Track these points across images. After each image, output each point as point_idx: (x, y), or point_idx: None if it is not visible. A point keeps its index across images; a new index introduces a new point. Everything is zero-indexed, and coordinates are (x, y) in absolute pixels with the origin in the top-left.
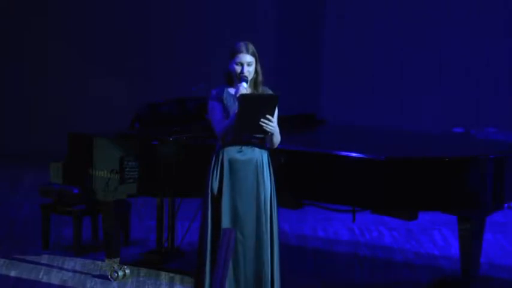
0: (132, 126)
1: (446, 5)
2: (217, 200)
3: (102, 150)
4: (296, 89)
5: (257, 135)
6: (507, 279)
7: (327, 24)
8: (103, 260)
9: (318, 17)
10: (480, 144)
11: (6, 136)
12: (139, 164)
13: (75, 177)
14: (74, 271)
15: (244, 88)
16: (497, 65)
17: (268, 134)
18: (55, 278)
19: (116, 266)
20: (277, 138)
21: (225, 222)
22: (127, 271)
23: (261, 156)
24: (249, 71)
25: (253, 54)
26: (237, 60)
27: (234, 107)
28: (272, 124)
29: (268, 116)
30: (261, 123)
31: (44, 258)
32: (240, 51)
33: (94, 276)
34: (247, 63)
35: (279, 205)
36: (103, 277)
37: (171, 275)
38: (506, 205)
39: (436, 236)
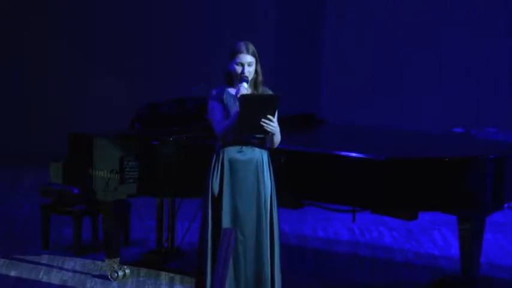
0: (132, 126)
1: (446, 5)
2: (217, 200)
3: (102, 150)
4: (296, 89)
5: (258, 135)
6: (507, 279)
7: (327, 24)
8: (103, 260)
9: (318, 17)
10: (480, 144)
11: (6, 136)
12: (139, 164)
13: (75, 177)
14: (74, 271)
15: (245, 88)
16: (497, 65)
17: (269, 134)
18: (55, 278)
19: (116, 266)
20: (277, 138)
21: (226, 222)
22: (127, 271)
23: (261, 156)
24: (250, 71)
25: (253, 55)
26: (238, 60)
27: (234, 107)
28: (273, 124)
29: (269, 116)
30: (262, 123)
31: (44, 258)
32: (240, 52)
33: (94, 276)
34: (248, 63)
35: (279, 205)
36: (103, 277)
37: (171, 275)
38: (506, 205)
39: (436, 236)
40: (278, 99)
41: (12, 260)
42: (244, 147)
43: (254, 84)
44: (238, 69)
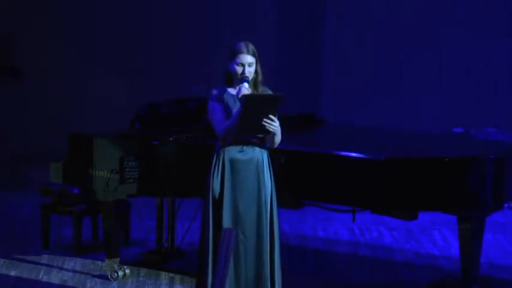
0: (132, 126)
1: (446, 5)
2: (218, 199)
3: (102, 150)
4: (296, 89)
5: (259, 135)
6: (507, 279)
7: (327, 24)
8: (103, 260)
9: (318, 17)
10: (480, 144)
11: (6, 136)
12: (139, 164)
13: (75, 177)
14: (74, 271)
15: (246, 88)
16: (497, 65)
17: (271, 134)
18: (55, 278)
19: (116, 266)
20: (278, 138)
21: (226, 222)
22: (127, 271)
23: (261, 155)
24: (250, 71)
25: (253, 55)
26: (238, 60)
27: (235, 108)
28: (275, 124)
29: (271, 116)
30: (263, 123)
31: (44, 258)
32: (241, 52)
33: (94, 276)
34: (248, 63)
35: (279, 205)
36: (103, 277)
37: (171, 275)
38: (506, 205)
39: (436, 236)
40: (280, 99)
41: (12, 260)
42: (245, 147)
43: (254, 84)
44: (239, 69)
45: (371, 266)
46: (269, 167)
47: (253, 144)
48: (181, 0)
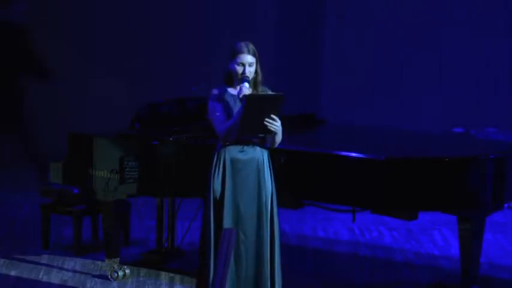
0: (132, 126)
1: (446, 5)
2: (219, 199)
3: (102, 150)
4: (296, 89)
5: (260, 135)
6: (507, 279)
7: (327, 24)
8: (103, 260)
9: (318, 17)
10: (480, 144)
11: (6, 136)
12: (139, 164)
13: (75, 177)
14: (74, 271)
15: (247, 88)
16: (497, 65)
17: (272, 134)
18: (55, 278)
19: (116, 266)
20: (279, 138)
21: (227, 221)
22: (127, 271)
23: (262, 155)
24: (250, 71)
25: (254, 55)
26: (239, 60)
27: (235, 108)
28: (276, 124)
29: (272, 116)
30: (265, 122)
31: (44, 258)
32: (241, 52)
33: (94, 276)
34: (249, 63)
35: (279, 205)
36: (103, 277)
37: (171, 275)
38: (506, 205)
39: (436, 236)
40: (282, 98)
41: (12, 260)
42: (245, 147)
43: (254, 84)
44: (239, 69)
45: (371, 266)
46: (269, 167)
47: (254, 144)
48: (181, 0)
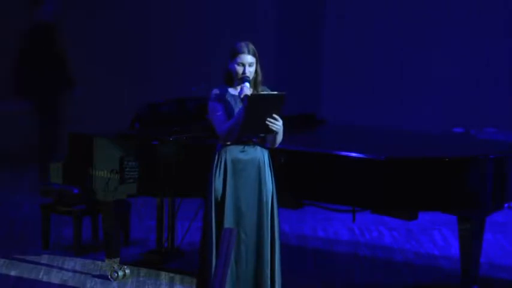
0: (132, 126)
1: (446, 5)
2: (220, 200)
3: (102, 150)
4: (296, 89)
5: (262, 135)
6: (507, 279)
7: (327, 24)
8: (103, 260)
9: (318, 17)
10: (480, 144)
11: (6, 136)
12: (139, 164)
13: (75, 177)
14: (74, 271)
15: (248, 88)
16: (497, 65)
17: (273, 133)
18: (55, 278)
19: (116, 266)
20: (280, 137)
21: (229, 221)
22: (127, 271)
23: (262, 155)
24: (250, 71)
25: (254, 55)
26: (239, 60)
27: (236, 108)
28: (278, 123)
29: (274, 115)
30: (267, 122)
31: (44, 258)
32: (241, 52)
33: (94, 276)
34: (249, 63)
35: (279, 205)
36: (103, 277)
37: (171, 275)
38: (506, 205)
39: (436, 236)
40: (284, 97)
41: (12, 260)
42: (246, 147)
43: (254, 84)
44: (239, 69)
45: (371, 266)
46: (270, 167)
47: (254, 144)
48: (181, 0)
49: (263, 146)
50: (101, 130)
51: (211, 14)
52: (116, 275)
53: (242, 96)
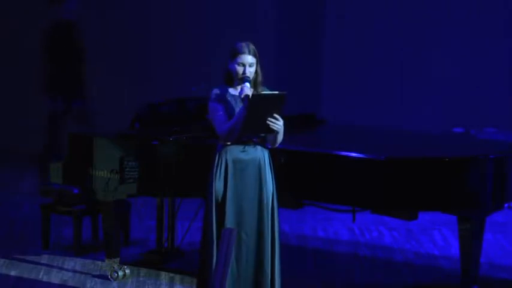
0: (132, 126)
1: (446, 5)
2: (221, 200)
3: (102, 150)
4: (296, 89)
5: (262, 134)
6: (507, 279)
7: (327, 24)
8: (103, 260)
9: (318, 17)
10: (480, 144)
11: (6, 136)
12: (139, 164)
13: (75, 177)
14: (74, 271)
15: (248, 88)
16: (497, 65)
17: (274, 133)
18: (55, 278)
19: (116, 266)
20: (280, 137)
21: (230, 222)
22: (127, 271)
23: (263, 155)
24: (251, 71)
25: (254, 55)
26: (239, 60)
27: (236, 108)
28: (279, 123)
29: (275, 115)
30: (268, 122)
31: (44, 258)
32: (242, 52)
33: (94, 276)
34: (249, 64)
35: (279, 205)
36: (103, 277)
37: (171, 275)
38: (506, 205)
39: (436, 236)
40: (284, 97)
41: (12, 260)
42: (246, 147)
43: (254, 84)
44: (240, 69)
45: (371, 266)
46: (270, 166)
47: (255, 144)
48: (181, 0)
49: (264, 145)
50: (101, 130)
51: (211, 14)
52: (116, 275)
53: (242, 96)
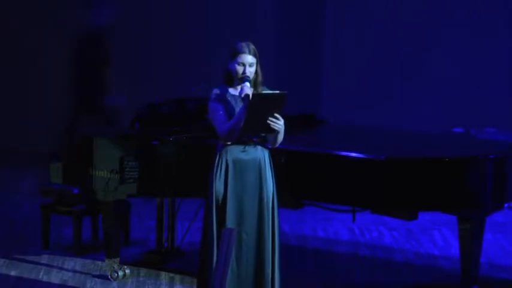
0: (132, 126)
1: (446, 5)
2: (221, 200)
3: (102, 150)
4: (296, 89)
5: (263, 134)
6: (507, 279)
7: (327, 24)
8: (103, 260)
9: (318, 17)
10: (480, 144)
11: (6, 136)
12: (139, 164)
13: (75, 177)
14: (74, 271)
15: (249, 88)
16: (497, 65)
17: (275, 133)
18: (55, 278)
19: (116, 266)
20: (281, 137)
21: (230, 222)
22: (127, 271)
23: (263, 155)
24: (251, 71)
25: (254, 55)
26: (239, 60)
27: (237, 108)
28: (280, 122)
29: (276, 115)
30: (269, 121)
31: (44, 258)
32: (242, 52)
33: (94, 276)
34: (249, 63)
35: (279, 205)
36: (103, 277)
37: (171, 275)
38: (506, 205)
39: (436, 236)
40: (285, 97)
41: (12, 260)
42: (247, 147)
43: (254, 84)
44: (240, 69)
45: (371, 266)
46: (271, 166)
47: (255, 144)
48: (181, 0)
49: (264, 145)
50: (100, 130)
51: (211, 14)
52: (116, 275)
53: (243, 95)
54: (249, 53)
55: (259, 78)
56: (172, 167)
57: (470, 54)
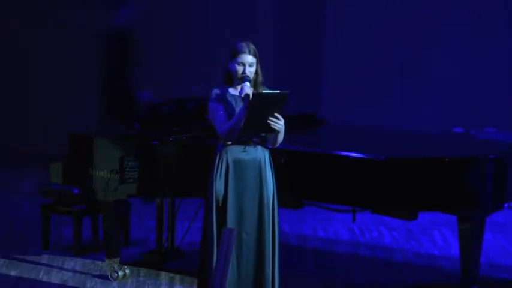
0: (132, 126)
1: (446, 5)
2: (222, 200)
3: (102, 150)
4: (296, 89)
5: (263, 134)
6: (507, 279)
7: (327, 24)
8: (103, 260)
9: (318, 17)
10: (480, 144)
11: (6, 136)
12: (139, 164)
13: (75, 177)
14: (74, 271)
15: (249, 88)
16: (497, 65)
17: (275, 133)
18: (55, 278)
19: (116, 266)
20: (281, 137)
21: (231, 222)
22: (127, 271)
23: (263, 154)
24: (251, 71)
25: (255, 55)
26: (239, 60)
27: (237, 108)
28: (280, 122)
29: (276, 114)
30: (269, 121)
31: (44, 258)
32: (242, 52)
33: (94, 276)
34: (249, 63)
35: (279, 205)
36: (103, 277)
37: (171, 275)
38: (506, 205)
39: (436, 236)
40: (286, 96)
41: (12, 260)
42: (247, 147)
43: (254, 84)
44: (240, 69)
45: (371, 266)
46: (271, 166)
47: (255, 144)
48: (181, 0)
49: (264, 145)
50: (101, 130)
51: (211, 14)
52: (116, 275)
53: (243, 95)
54: (249, 53)
55: (260, 78)
56: (172, 167)
57: (470, 54)
